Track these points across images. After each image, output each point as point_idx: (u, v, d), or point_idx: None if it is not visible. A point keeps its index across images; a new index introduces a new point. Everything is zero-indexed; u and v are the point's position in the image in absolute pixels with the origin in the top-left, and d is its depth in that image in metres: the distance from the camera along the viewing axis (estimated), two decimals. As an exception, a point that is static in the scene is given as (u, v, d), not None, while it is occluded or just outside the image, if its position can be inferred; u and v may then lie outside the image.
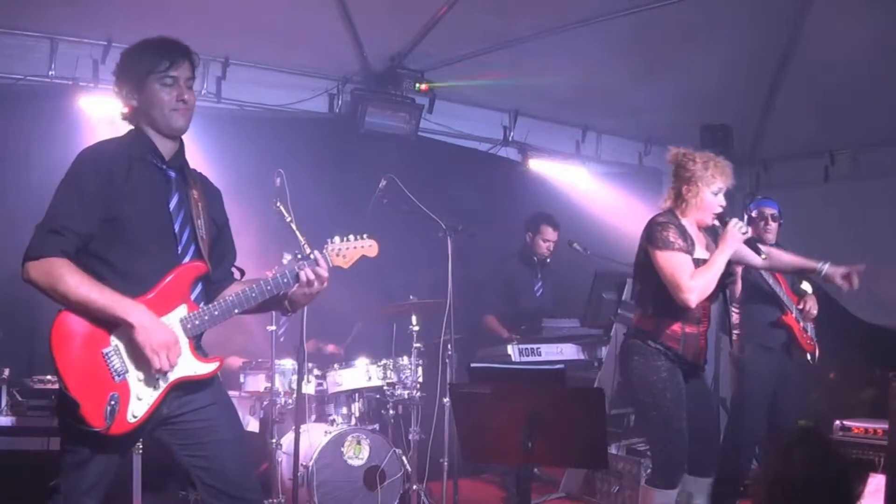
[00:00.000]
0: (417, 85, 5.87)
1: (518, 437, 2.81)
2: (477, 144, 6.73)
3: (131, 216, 2.46)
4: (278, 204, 3.98)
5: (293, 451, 4.08)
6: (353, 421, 4.71)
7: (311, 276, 2.64)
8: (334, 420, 4.69)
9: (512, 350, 5.23)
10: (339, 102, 5.97)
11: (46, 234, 2.37)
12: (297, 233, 3.98)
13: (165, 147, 2.60)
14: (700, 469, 3.56)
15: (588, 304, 5.64)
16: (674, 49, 5.75)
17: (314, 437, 4.40)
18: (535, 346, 5.33)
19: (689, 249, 3.46)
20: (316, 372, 4.71)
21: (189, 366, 2.53)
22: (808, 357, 4.71)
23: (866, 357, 5.98)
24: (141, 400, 2.43)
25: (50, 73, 4.89)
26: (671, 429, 3.45)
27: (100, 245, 2.45)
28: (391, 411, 4.83)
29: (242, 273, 2.81)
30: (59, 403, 2.44)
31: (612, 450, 4.92)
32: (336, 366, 4.73)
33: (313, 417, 4.74)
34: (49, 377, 4.13)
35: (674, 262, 3.41)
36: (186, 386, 2.54)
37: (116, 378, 2.39)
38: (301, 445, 4.13)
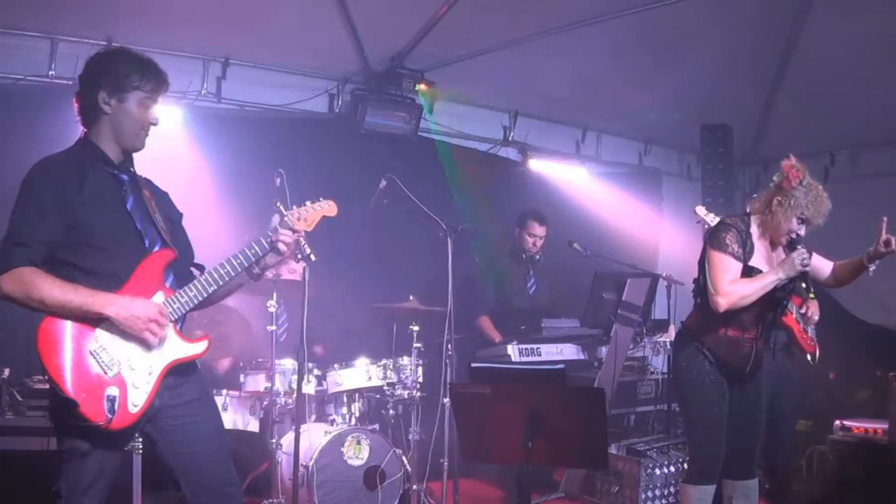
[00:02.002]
0: (417, 85, 5.88)
1: (518, 437, 2.81)
2: (477, 144, 6.73)
3: (92, 221, 2.50)
4: (278, 204, 3.96)
5: (293, 451, 4.08)
6: (353, 421, 4.70)
7: (287, 242, 2.76)
8: (334, 420, 4.69)
9: (512, 350, 5.21)
10: (339, 102, 5.97)
11: (12, 248, 2.42)
12: (297, 233, 3.97)
13: (115, 154, 2.65)
14: (736, 473, 3.60)
15: (588, 304, 5.63)
16: (674, 49, 5.75)
17: (314, 437, 4.40)
18: (534, 346, 5.31)
19: (743, 257, 3.45)
20: (316, 372, 4.71)
21: (179, 348, 2.58)
22: (809, 357, 4.72)
23: (866, 357, 5.98)
24: (138, 388, 2.47)
25: (50, 73, 4.89)
26: (707, 428, 3.50)
27: (68, 251, 2.48)
28: (391, 411, 4.83)
29: (202, 269, 2.82)
30: (54, 405, 2.47)
31: (612, 450, 4.91)
32: (336, 366, 4.73)
33: (313, 417, 4.74)
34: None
35: (719, 264, 3.43)
36: (179, 371, 2.58)
37: (109, 373, 2.43)
38: (301, 445, 4.13)
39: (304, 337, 4.06)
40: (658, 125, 7.12)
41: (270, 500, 4.32)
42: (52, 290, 2.38)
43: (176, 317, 2.58)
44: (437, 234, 4.54)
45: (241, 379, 4.70)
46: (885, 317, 6.29)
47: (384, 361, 4.79)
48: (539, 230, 5.75)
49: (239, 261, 2.68)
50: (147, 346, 2.50)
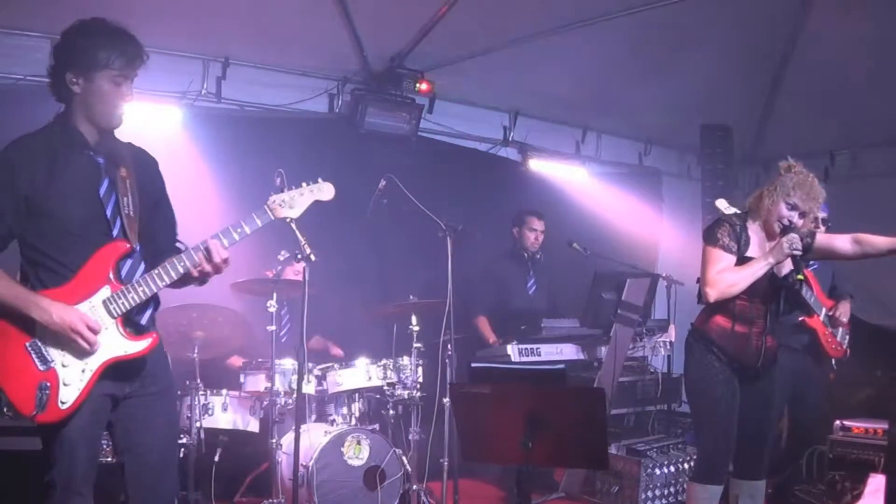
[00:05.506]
0: (417, 85, 5.88)
1: (518, 437, 2.81)
2: (477, 144, 6.73)
3: (61, 208, 2.45)
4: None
5: (293, 451, 4.07)
6: (353, 421, 4.71)
7: (206, 259, 2.57)
8: (334, 420, 4.69)
9: (512, 350, 5.22)
10: (339, 102, 5.97)
11: None
12: (297, 233, 3.97)
13: (91, 134, 2.55)
14: (744, 472, 3.62)
15: (588, 304, 5.63)
16: (674, 49, 5.75)
17: (314, 437, 4.39)
18: (534, 346, 5.31)
19: (735, 250, 3.46)
20: (316, 372, 4.71)
21: (118, 346, 2.50)
22: (833, 362, 4.67)
23: (866, 357, 5.97)
24: (68, 386, 2.42)
25: (50, 73, 4.88)
26: (716, 427, 3.51)
27: (35, 237, 2.45)
28: (391, 411, 4.83)
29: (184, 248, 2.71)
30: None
31: (612, 450, 4.91)
32: (336, 366, 4.73)
33: (313, 417, 4.74)
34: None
35: (709, 256, 3.47)
36: (124, 367, 2.51)
37: (42, 367, 2.41)
38: (301, 445, 4.12)
39: (304, 337, 4.06)
40: (658, 125, 7.12)
41: (270, 500, 4.33)
42: None
43: (120, 312, 2.49)
44: (436, 234, 4.54)
45: (242, 379, 4.71)
46: (885, 317, 6.28)
47: (384, 361, 4.79)
48: (538, 224, 5.79)
49: (192, 257, 2.56)
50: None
